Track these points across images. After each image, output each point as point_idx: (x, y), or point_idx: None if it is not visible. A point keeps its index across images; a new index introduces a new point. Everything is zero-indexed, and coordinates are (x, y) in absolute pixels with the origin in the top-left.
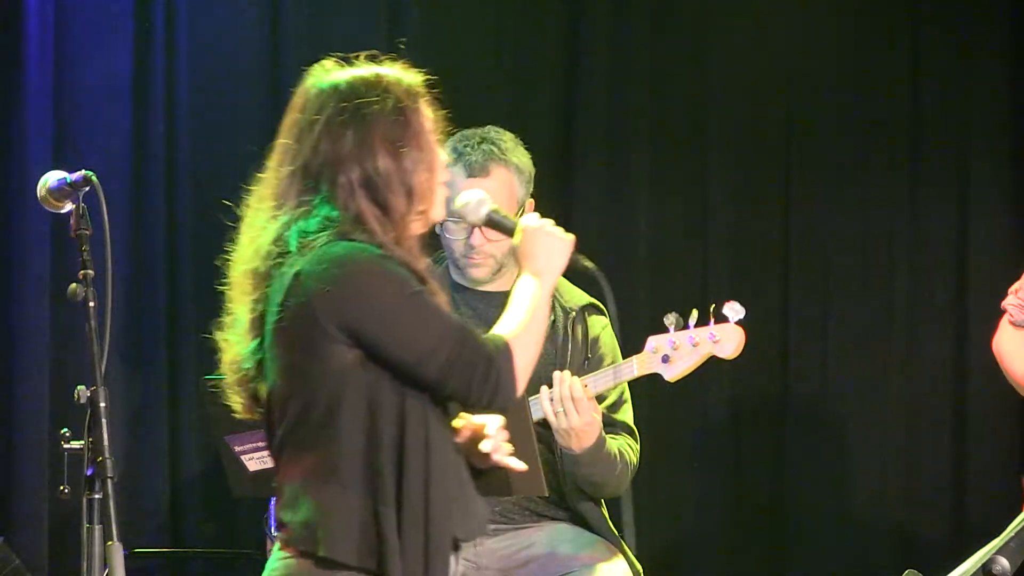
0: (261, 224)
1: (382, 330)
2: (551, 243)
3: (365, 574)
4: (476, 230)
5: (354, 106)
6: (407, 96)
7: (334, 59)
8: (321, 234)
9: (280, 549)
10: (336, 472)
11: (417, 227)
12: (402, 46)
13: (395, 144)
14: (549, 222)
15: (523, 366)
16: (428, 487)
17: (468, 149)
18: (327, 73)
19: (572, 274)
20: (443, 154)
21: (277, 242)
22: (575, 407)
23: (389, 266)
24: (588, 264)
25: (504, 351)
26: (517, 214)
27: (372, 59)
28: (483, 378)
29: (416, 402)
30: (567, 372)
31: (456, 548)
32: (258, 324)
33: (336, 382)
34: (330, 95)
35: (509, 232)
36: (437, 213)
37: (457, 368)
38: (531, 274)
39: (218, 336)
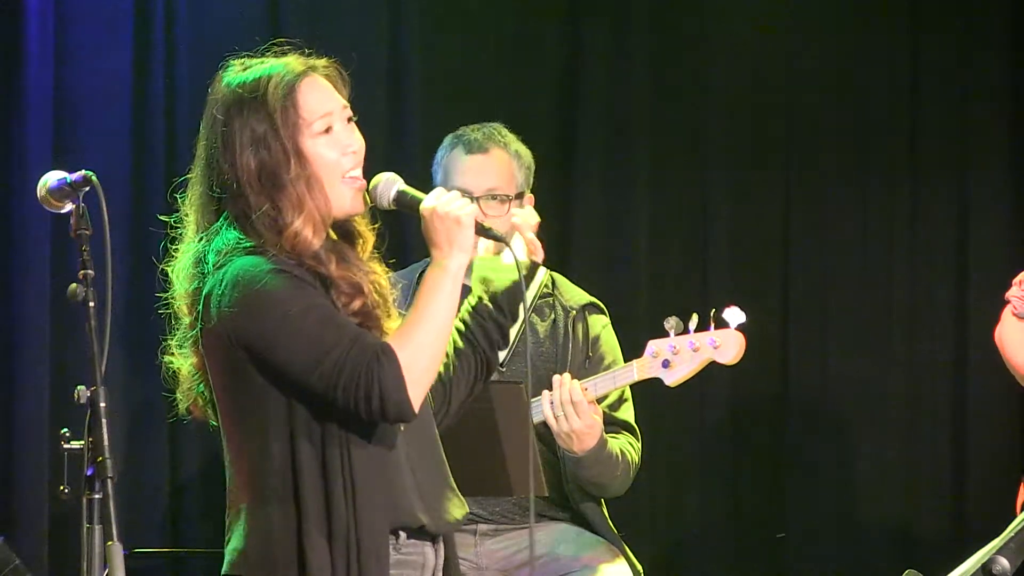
0: (188, 243)
1: (274, 347)
2: (447, 224)
3: None
4: (474, 204)
5: (228, 128)
6: (278, 107)
7: (239, 59)
8: (230, 253)
9: None
10: (263, 491)
11: (309, 232)
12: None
13: (265, 171)
14: (450, 197)
15: (417, 372)
16: (353, 497)
17: (468, 131)
18: (226, 76)
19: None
20: (340, 148)
21: (198, 264)
22: (575, 410)
23: (281, 280)
24: (498, 234)
25: (387, 362)
26: (516, 198)
27: (278, 49)
28: (366, 396)
29: (330, 411)
30: (567, 375)
31: (433, 540)
32: (195, 344)
33: (258, 399)
34: (218, 109)
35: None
36: (338, 209)
37: (341, 385)
38: (434, 263)
39: (169, 359)
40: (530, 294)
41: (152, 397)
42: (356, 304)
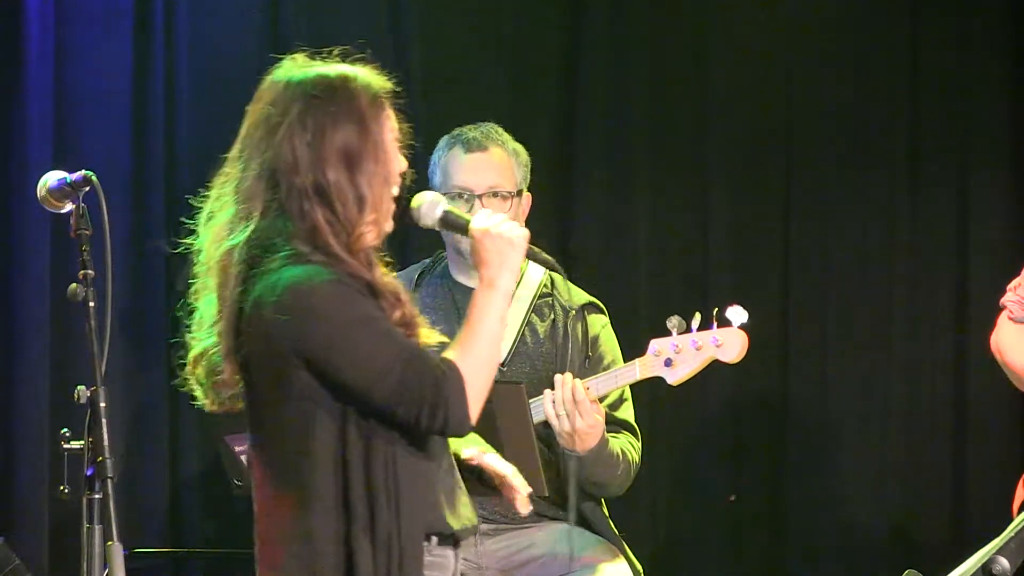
0: (226, 223)
1: (331, 357)
2: (499, 245)
3: None
4: (477, 201)
5: (315, 111)
6: (370, 104)
7: (305, 53)
8: (278, 255)
9: None
10: (307, 497)
11: (371, 238)
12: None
13: (350, 155)
14: (500, 219)
15: (476, 389)
16: (397, 502)
17: (466, 131)
18: (296, 69)
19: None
20: (401, 164)
21: (242, 250)
22: (577, 410)
23: (339, 290)
24: (547, 258)
25: (454, 378)
26: (516, 195)
27: (344, 56)
28: (431, 411)
29: (382, 421)
30: (568, 375)
31: (456, 545)
32: (222, 321)
33: (304, 407)
34: (295, 95)
35: (466, 233)
36: (388, 225)
37: (405, 397)
38: (485, 282)
39: (185, 335)
40: (529, 294)
41: (152, 397)
42: (398, 314)
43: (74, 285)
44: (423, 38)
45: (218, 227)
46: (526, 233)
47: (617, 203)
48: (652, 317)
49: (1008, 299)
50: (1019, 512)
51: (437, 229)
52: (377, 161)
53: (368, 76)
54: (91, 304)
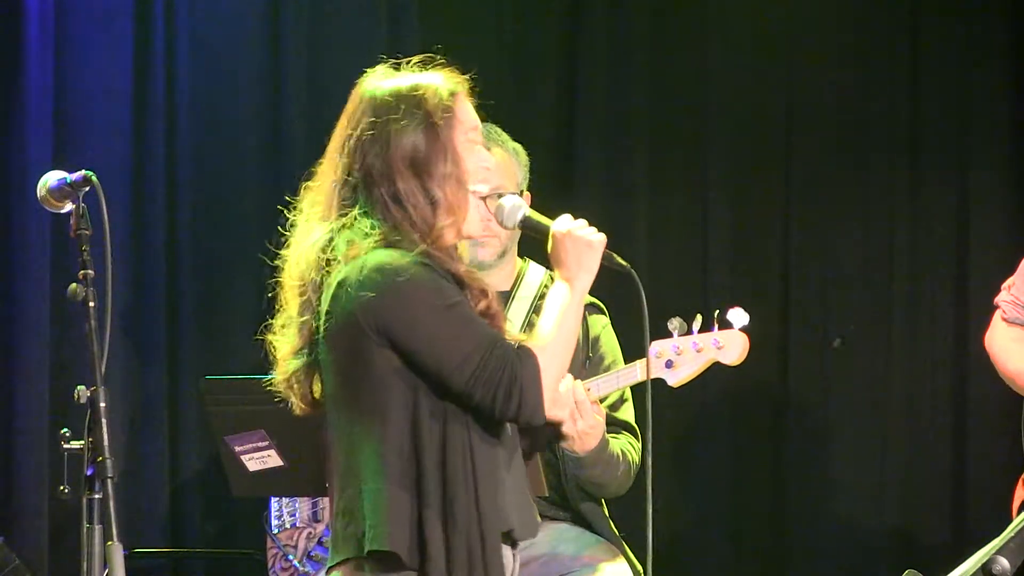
0: (309, 232)
1: (414, 337)
2: (579, 247)
3: (411, 572)
4: (483, 203)
5: (383, 122)
6: (438, 109)
7: (386, 64)
8: (365, 242)
9: (329, 568)
10: (384, 475)
11: (450, 236)
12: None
13: (418, 161)
14: (580, 223)
15: (551, 378)
16: (475, 488)
17: None
18: (372, 81)
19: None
20: (478, 161)
21: (324, 250)
22: (578, 410)
23: (426, 273)
24: (622, 263)
25: (530, 366)
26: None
27: (425, 63)
28: (507, 395)
29: (458, 405)
30: (569, 376)
31: (514, 545)
32: (305, 328)
33: (382, 385)
34: (367, 108)
35: (544, 235)
36: (471, 226)
37: (482, 382)
38: (562, 280)
39: (271, 338)
40: (530, 294)
41: (152, 397)
42: (483, 304)
43: (74, 285)
44: (423, 38)
45: (302, 236)
46: (603, 238)
47: (617, 203)
48: (652, 317)
49: (1002, 298)
50: (1019, 512)
51: (514, 229)
52: (447, 162)
53: (438, 80)
54: (91, 304)
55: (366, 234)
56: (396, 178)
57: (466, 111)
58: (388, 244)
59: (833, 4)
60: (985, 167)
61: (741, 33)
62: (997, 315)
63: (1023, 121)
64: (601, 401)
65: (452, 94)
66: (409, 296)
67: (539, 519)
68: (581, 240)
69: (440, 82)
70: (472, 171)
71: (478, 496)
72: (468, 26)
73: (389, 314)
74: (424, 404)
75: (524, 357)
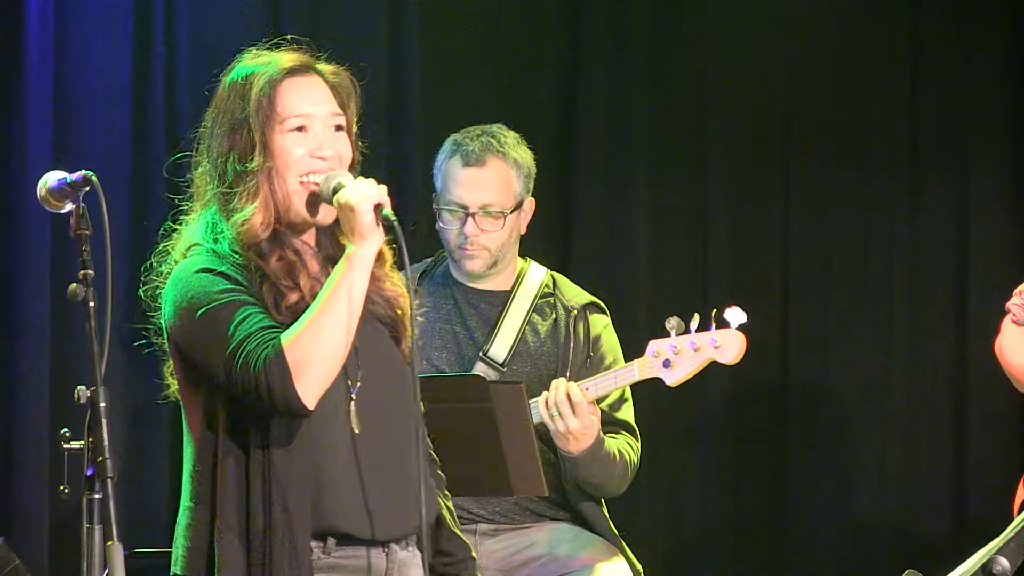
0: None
1: (190, 345)
2: (345, 213)
3: None
4: (469, 219)
5: (217, 100)
6: (257, 84)
7: (253, 50)
8: (179, 246)
9: None
10: (191, 492)
11: (261, 229)
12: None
13: (232, 132)
14: (355, 186)
15: (310, 364)
16: (275, 494)
17: (467, 140)
18: (229, 67)
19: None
20: (297, 145)
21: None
22: (572, 410)
23: (200, 280)
24: (389, 215)
25: (275, 359)
26: (513, 209)
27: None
28: (256, 388)
29: (255, 412)
30: (562, 380)
31: (380, 544)
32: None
33: (190, 399)
34: (216, 89)
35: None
36: (296, 207)
37: (237, 381)
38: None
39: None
40: (531, 293)
41: (152, 397)
42: (292, 298)
43: (74, 285)
44: (423, 38)
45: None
46: (365, 195)
47: (617, 203)
48: (652, 317)
49: (1013, 303)
50: (1019, 512)
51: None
52: (256, 155)
53: (275, 63)
54: (91, 304)
55: (181, 237)
56: (216, 174)
57: (296, 98)
58: (190, 250)
59: (833, 5)
60: (985, 167)
61: (741, 33)
62: (1007, 319)
63: (1023, 121)
64: (600, 401)
65: (279, 79)
66: (185, 306)
67: (412, 516)
68: (345, 206)
69: (272, 67)
70: (296, 158)
71: (271, 507)
72: (468, 25)
73: (176, 327)
74: (222, 417)
75: (273, 349)
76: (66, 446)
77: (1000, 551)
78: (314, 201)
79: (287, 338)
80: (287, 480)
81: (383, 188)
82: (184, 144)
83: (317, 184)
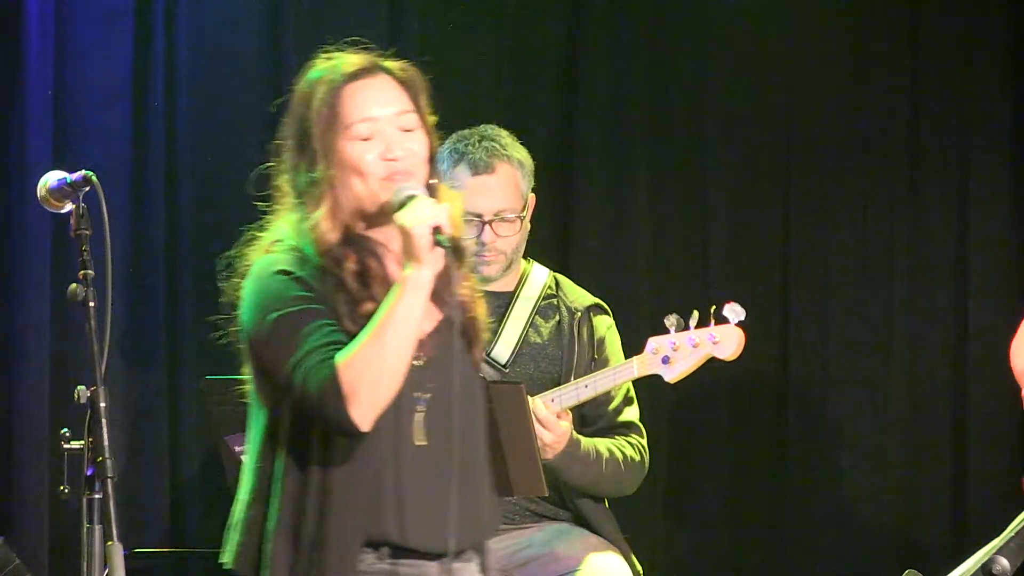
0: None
1: (258, 350)
2: (404, 235)
3: None
4: (486, 227)
5: (290, 108)
6: (320, 91)
7: (325, 54)
8: (259, 245)
9: None
10: (249, 487)
11: (331, 234)
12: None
13: (298, 141)
14: (413, 205)
15: (364, 387)
16: (328, 499)
17: (470, 148)
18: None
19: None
20: (366, 151)
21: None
22: (542, 426)
23: (275, 283)
24: (444, 240)
25: (330, 380)
26: (523, 209)
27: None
28: (314, 408)
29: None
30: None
31: (440, 559)
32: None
33: (255, 389)
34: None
35: None
36: (372, 207)
37: (296, 394)
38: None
39: None
40: (534, 295)
41: (152, 397)
42: (367, 307)
43: (74, 285)
44: (423, 38)
45: None
46: (421, 218)
47: (617, 203)
48: (652, 317)
49: None
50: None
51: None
52: (322, 163)
53: (338, 68)
54: (91, 304)
55: (266, 235)
56: (286, 182)
57: (359, 102)
58: (268, 249)
59: (833, 6)
60: (985, 168)
61: (742, 33)
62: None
63: (1023, 121)
64: (607, 403)
65: (341, 85)
66: (257, 309)
67: (467, 532)
68: (401, 228)
69: (334, 72)
70: (366, 163)
71: (325, 513)
72: (468, 26)
73: (248, 329)
74: (288, 416)
75: (326, 372)
76: (66, 446)
77: (1000, 551)
78: (388, 210)
79: (342, 359)
80: (344, 489)
81: (444, 208)
82: (182, 144)
83: (391, 185)
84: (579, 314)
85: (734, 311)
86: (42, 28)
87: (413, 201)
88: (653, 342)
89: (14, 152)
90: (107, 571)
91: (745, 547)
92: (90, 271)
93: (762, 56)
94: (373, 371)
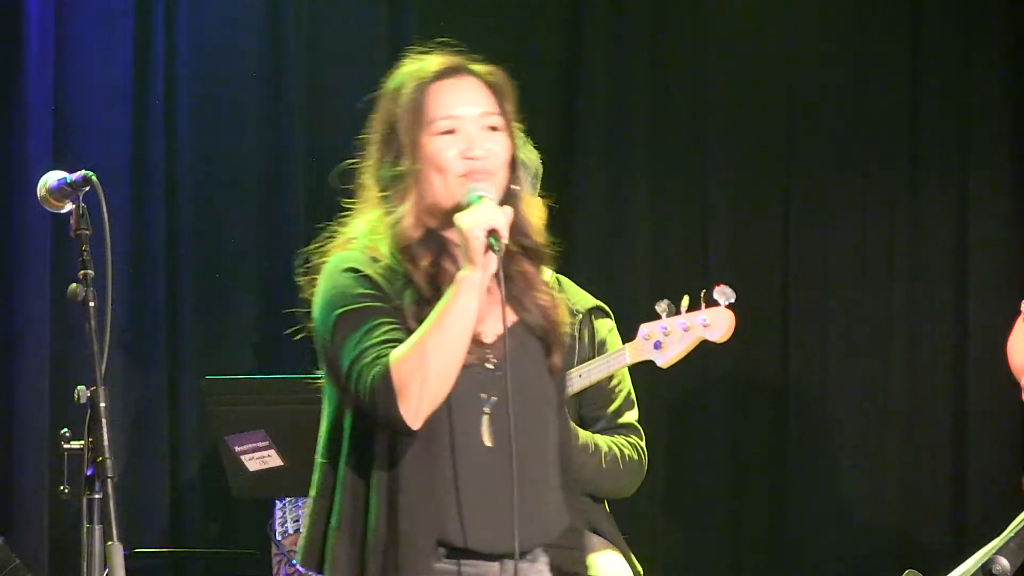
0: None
1: (323, 346)
2: (462, 236)
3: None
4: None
5: (378, 105)
6: (407, 87)
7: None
8: (336, 241)
9: None
10: (316, 484)
11: (418, 219)
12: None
13: (386, 137)
14: (473, 208)
15: (414, 386)
16: (396, 498)
17: None
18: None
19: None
20: (448, 147)
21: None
22: None
23: (343, 279)
24: (495, 244)
25: (382, 379)
26: None
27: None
28: (367, 406)
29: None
30: None
31: (501, 560)
32: None
33: (325, 393)
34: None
35: None
36: (451, 205)
37: (352, 391)
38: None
39: None
40: None
41: (152, 397)
42: (433, 308)
43: (74, 285)
44: (423, 38)
45: None
46: (476, 222)
47: (617, 203)
48: (652, 317)
49: None
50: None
51: None
52: (406, 158)
53: (425, 66)
54: (91, 304)
55: (343, 232)
56: (370, 177)
57: (444, 100)
58: (344, 246)
59: (833, 4)
60: (985, 167)
61: (742, 34)
62: (1020, 320)
63: (1023, 121)
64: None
65: (428, 82)
66: (324, 306)
67: (527, 536)
68: (460, 229)
69: (423, 70)
70: (447, 159)
71: (395, 512)
72: (468, 26)
73: (317, 323)
74: (352, 413)
75: (379, 371)
76: (66, 446)
77: (1000, 551)
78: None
79: (395, 358)
80: (406, 489)
81: (505, 213)
82: (182, 144)
83: (468, 185)
84: (581, 316)
85: (724, 293)
86: (42, 28)
87: (477, 202)
88: (644, 328)
89: (14, 152)
90: (107, 571)
91: (745, 547)
92: (90, 271)
93: (762, 56)
94: (422, 370)
